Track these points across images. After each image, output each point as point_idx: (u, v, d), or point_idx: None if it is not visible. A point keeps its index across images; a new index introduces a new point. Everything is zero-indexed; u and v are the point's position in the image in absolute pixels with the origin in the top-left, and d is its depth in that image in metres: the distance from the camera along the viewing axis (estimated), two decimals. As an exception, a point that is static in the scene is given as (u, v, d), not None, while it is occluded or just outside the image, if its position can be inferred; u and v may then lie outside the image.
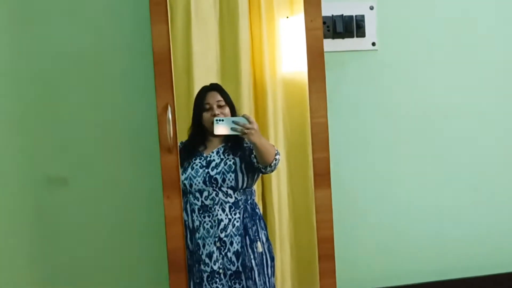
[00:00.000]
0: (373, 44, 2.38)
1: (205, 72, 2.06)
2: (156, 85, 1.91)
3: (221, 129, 1.94)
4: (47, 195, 2.23)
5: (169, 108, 1.90)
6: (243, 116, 1.94)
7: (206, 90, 2.01)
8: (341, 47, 2.36)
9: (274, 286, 2.03)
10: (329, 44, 2.30)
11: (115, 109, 2.25)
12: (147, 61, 2.07)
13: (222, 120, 1.93)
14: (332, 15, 2.33)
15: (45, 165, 2.23)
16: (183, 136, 2.00)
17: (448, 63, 2.44)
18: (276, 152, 1.97)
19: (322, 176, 2.01)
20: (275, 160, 1.96)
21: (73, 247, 2.25)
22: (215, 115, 1.97)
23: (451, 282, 2.41)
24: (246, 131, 1.91)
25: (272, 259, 2.02)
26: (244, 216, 1.98)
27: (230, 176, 1.96)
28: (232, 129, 1.93)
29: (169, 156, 1.92)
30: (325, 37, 2.25)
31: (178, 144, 1.96)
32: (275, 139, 2.07)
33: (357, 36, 2.37)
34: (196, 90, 2.03)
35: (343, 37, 2.36)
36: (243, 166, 1.98)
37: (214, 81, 2.05)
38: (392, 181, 2.42)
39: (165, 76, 1.92)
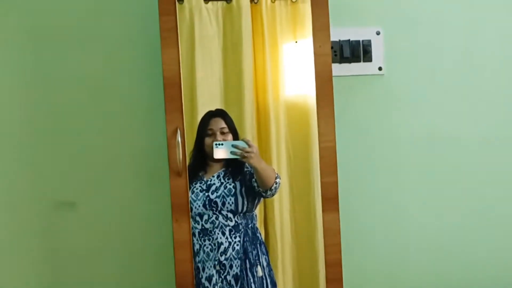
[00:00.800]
0: (380, 68, 2.41)
1: (208, 98, 2.10)
2: (166, 109, 1.95)
3: (221, 153, 1.97)
4: (55, 219, 2.27)
5: (179, 132, 1.93)
6: (243, 140, 1.98)
7: (211, 115, 2.05)
8: (348, 72, 2.39)
9: None
10: (336, 69, 2.31)
11: (124, 133, 2.29)
12: (157, 85, 2.11)
13: (222, 144, 1.97)
14: (339, 40, 2.37)
15: (54, 189, 2.27)
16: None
17: (455, 88, 2.45)
18: (276, 175, 2.00)
19: (331, 200, 2.02)
20: (276, 184, 1.99)
21: (80, 272, 2.28)
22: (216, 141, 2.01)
23: None
24: (245, 154, 1.95)
25: (274, 284, 2.04)
26: (245, 240, 2.00)
27: (230, 199, 1.99)
28: (231, 152, 1.96)
29: (178, 180, 1.95)
30: (333, 61, 2.25)
31: None
32: (278, 164, 2.10)
33: (363, 61, 2.39)
34: (200, 116, 2.06)
35: (350, 62, 2.39)
36: (243, 190, 2.01)
37: (218, 107, 2.09)
38: (399, 205, 2.43)
39: (175, 100, 1.96)
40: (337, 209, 2.02)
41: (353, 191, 2.36)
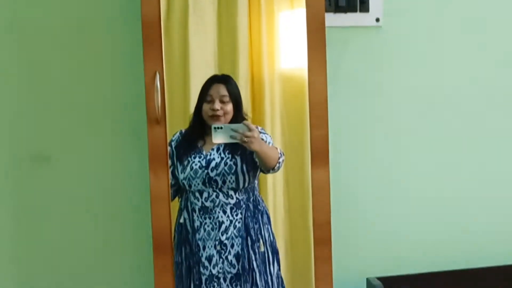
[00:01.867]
0: (377, 20, 2.34)
1: (202, 67, 2.05)
2: (144, 52, 1.89)
3: (220, 137, 1.92)
4: (29, 173, 2.22)
5: (158, 76, 1.87)
6: (243, 123, 1.92)
7: (213, 80, 1.99)
8: (343, 23, 2.33)
9: (281, 279, 2.05)
10: (331, 19, 2.27)
11: (102, 83, 2.23)
12: (136, 30, 2.01)
13: (221, 128, 1.91)
14: (334, -13, 2.31)
15: (27, 142, 2.22)
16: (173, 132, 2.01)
17: (456, 42, 2.40)
18: (279, 155, 1.97)
19: (320, 155, 1.98)
20: (279, 164, 1.97)
21: (55, 228, 2.25)
22: (214, 109, 1.95)
23: (452, 273, 2.41)
24: (245, 139, 1.90)
25: (276, 252, 2.04)
26: (246, 216, 1.99)
27: (231, 178, 1.96)
28: (231, 137, 1.91)
29: (157, 128, 1.91)
30: (326, 11, 2.19)
31: (177, 133, 1.98)
32: (272, 135, 2.06)
33: (360, 11, 2.33)
34: (192, 85, 2.02)
35: (345, 12, 2.32)
36: (244, 166, 1.97)
37: (211, 74, 2.03)
38: (394, 164, 2.41)
39: (154, 42, 1.89)
40: (327, 165, 1.98)
41: (345, 148, 2.34)
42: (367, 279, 2.29)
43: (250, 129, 1.89)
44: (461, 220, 2.46)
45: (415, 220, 2.43)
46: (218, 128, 1.90)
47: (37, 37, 2.19)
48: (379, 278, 2.27)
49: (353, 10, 2.30)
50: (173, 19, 2.00)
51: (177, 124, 1.99)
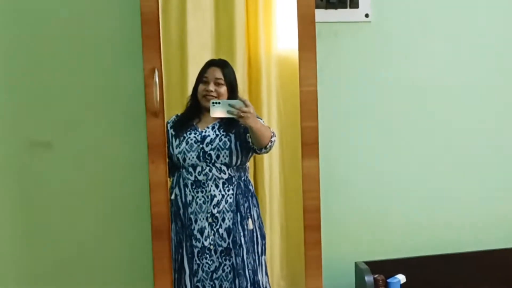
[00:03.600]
0: (367, 15, 2.43)
1: (199, 49, 2.12)
2: (143, 47, 1.97)
3: (218, 111, 2.02)
4: (30, 159, 2.27)
5: (156, 72, 1.96)
6: (240, 99, 2.03)
7: (210, 63, 2.09)
8: (334, 18, 2.42)
9: (265, 264, 2.12)
10: (322, 15, 2.37)
11: (102, 72, 2.29)
12: (136, 24, 2.08)
13: (219, 103, 2.02)
14: (325, -16, 2.42)
15: (29, 129, 2.27)
16: (173, 113, 2.08)
17: (444, 36, 2.49)
18: (272, 134, 2.06)
19: (310, 146, 2.06)
20: (271, 143, 2.06)
21: (54, 213, 2.29)
22: (208, 91, 2.04)
23: (439, 257, 2.47)
24: (242, 114, 2.00)
25: (263, 237, 2.12)
26: (237, 192, 2.07)
27: (225, 153, 2.05)
28: (228, 112, 2.01)
29: (155, 120, 1.99)
30: (318, 7, 2.32)
31: (173, 116, 2.07)
32: (269, 117, 2.15)
33: (350, 7, 2.42)
34: (190, 67, 2.10)
35: (336, 8, 2.42)
36: (238, 143, 2.07)
37: (209, 57, 2.11)
38: (382, 154, 2.49)
39: (152, 38, 1.98)
40: (316, 155, 2.06)
41: (335, 139, 2.42)
42: (355, 263, 2.35)
43: (246, 105, 1.99)
44: (450, 205, 2.51)
45: (402, 206, 2.48)
46: (216, 103, 2.00)
47: (40, 26, 2.23)
48: (367, 262, 2.33)
49: (343, 6, 2.39)
50: (171, 2, 2.06)
51: (174, 107, 2.06)
